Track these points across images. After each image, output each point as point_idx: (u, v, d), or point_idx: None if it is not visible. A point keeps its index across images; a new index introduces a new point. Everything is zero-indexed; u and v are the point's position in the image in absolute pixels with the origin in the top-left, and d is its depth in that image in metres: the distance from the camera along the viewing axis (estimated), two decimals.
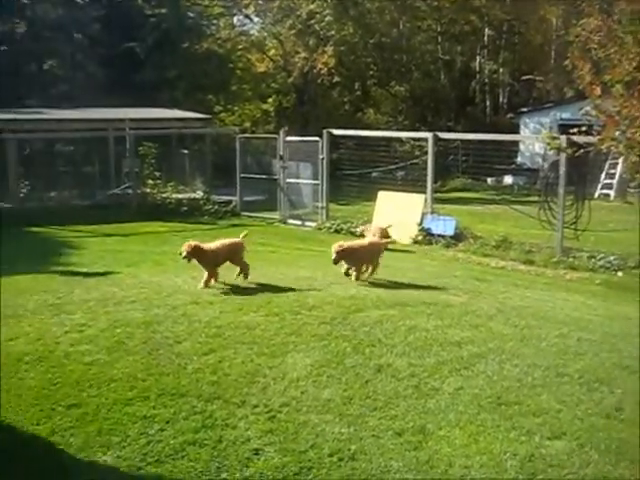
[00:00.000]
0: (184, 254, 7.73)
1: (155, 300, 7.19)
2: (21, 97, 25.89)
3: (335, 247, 8.33)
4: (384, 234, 10.67)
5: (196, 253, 7.77)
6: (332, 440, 4.29)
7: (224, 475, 3.87)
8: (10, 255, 11.42)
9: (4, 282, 8.43)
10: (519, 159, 28.07)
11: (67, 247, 12.72)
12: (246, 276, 8.08)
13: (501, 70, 35.26)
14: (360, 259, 8.67)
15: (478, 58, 35.55)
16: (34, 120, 21.54)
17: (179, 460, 4.01)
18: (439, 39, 34.86)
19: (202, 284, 7.71)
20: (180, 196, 18.53)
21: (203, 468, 3.93)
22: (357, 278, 8.50)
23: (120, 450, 4.09)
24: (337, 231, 14.88)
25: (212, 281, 7.83)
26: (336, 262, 8.40)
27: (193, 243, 7.83)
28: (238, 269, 8.14)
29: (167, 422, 4.43)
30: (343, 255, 8.38)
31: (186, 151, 22.52)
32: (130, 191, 18.51)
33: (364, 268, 8.73)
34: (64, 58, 33.76)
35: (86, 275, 9.11)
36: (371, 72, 34.34)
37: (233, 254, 8.11)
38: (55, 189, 19.86)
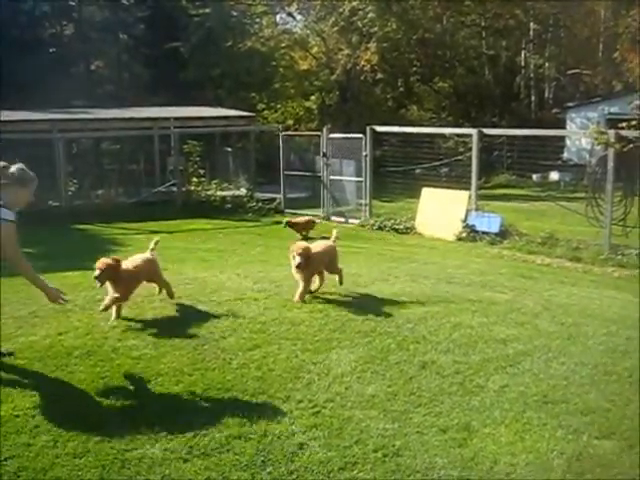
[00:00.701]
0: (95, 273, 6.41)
1: (200, 296, 7.27)
2: (69, 97, 26.42)
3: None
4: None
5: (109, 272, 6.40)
6: (377, 436, 4.29)
7: (269, 469, 3.90)
8: (59, 252, 11.68)
9: (54, 277, 8.61)
10: (565, 155, 27.62)
11: (113, 244, 12.94)
12: (171, 296, 7.04)
13: (547, 64, 34.74)
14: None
15: (523, 53, 35.09)
16: (81, 120, 21.95)
17: (225, 453, 4.05)
18: (483, 34, 34.48)
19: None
20: (224, 193, 18.70)
21: (248, 461, 3.96)
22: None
23: (167, 443, 4.15)
24: (380, 228, 14.85)
25: None
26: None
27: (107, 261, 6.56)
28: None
29: (212, 416, 4.48)
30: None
31: (230, 149, 22.73)
32: (175, 189, 18.74)
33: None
34: (110, 59, 34.37)
35: None
36: (414, 68, 34.13)
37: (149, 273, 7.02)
38: (101, 187, 20.21)
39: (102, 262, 6.48)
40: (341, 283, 7.65)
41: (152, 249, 7.33)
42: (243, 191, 19.35)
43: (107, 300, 6.36)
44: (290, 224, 13.21)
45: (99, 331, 6.19)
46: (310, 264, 7.04)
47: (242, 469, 3.89)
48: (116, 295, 6.34)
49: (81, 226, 15.60)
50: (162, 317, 6.57)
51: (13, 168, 5.24)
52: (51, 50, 30.65)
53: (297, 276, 7.11)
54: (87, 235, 14.53)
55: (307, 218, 13.68)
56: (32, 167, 5.57)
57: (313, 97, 34.87)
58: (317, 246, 7.52)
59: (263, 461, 3.98)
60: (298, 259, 6.91)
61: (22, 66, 25.77)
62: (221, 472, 3.87)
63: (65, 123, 20.92)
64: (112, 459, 3.99)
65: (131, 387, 5.00)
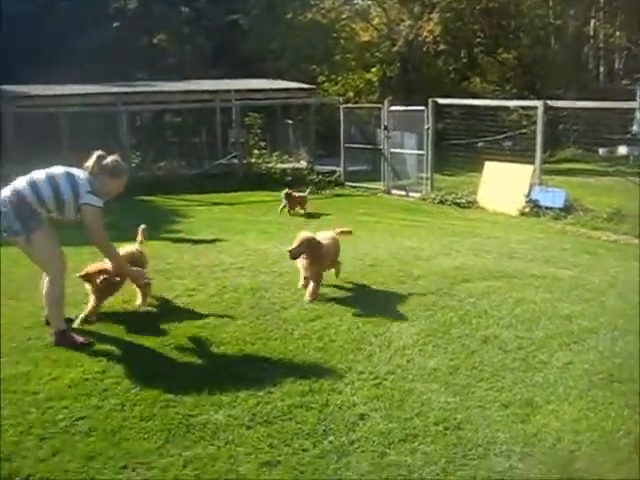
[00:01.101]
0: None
1: (262, 267, 7.36)
2: (132, 71, 26.79)
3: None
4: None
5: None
6: (438, 409, 4.29)
7: (330, 438, 3.94)
8: (123, 223, 11.90)
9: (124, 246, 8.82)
10: (635, 128, 26.68)
11: (176, 215, 13.13)
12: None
13: (617, 33, 33.51)
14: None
15: (592, 22, 33.90)
16: (144, 92, 22.22)
17: (287, 422, 4.11)
18: (550, 3, 33.40)
19: None
20: (284, 166, 18.73)
21: (310, 430, 4.01)
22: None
23: (230, 410, 4.23)
24: (442, 202, 14.67)
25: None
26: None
27: None
28: None
29: (275, 385, 4.54)
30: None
31: (290, 121, 22.72)
32: (236, 161, 18.86)
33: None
34: (172, 32, 34.63)
35: (195, 242, 9.40)
36: (478, 39, 33.37)
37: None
38: (164, 159, 20.48)
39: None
40: (337, 276, 6.94)
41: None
42: (303, 164, 19.36)
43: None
44: (287, 195, 12.76)
45: (165, 299, 6.34)
46: (318, 258, 6.32)
47: (304, 437, 3.94)
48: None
49: (145, 197, 15.86)
50: (224, 288, 6.66)
51: (108, 159, 5.42)
52: (115, 24, 31.04)
53: (305, 273, 6.44)
54: (151, 206, 14.77)
55: (303, 194, 13.20)
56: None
57: (374, 69, 34.47)
58: (325, 239, 6.65)
59: (325, 430, 4.02)
60: (295, 245, 6.20)
61: (87, 41, 26.22)
62: (283, 440, 3.92)
63: (128, 96, 21.21)
64: (177, 423, 4.09)
65: (195, 355, 5.09)
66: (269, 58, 30.18)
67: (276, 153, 18.97)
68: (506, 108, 22.02)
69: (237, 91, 21.79)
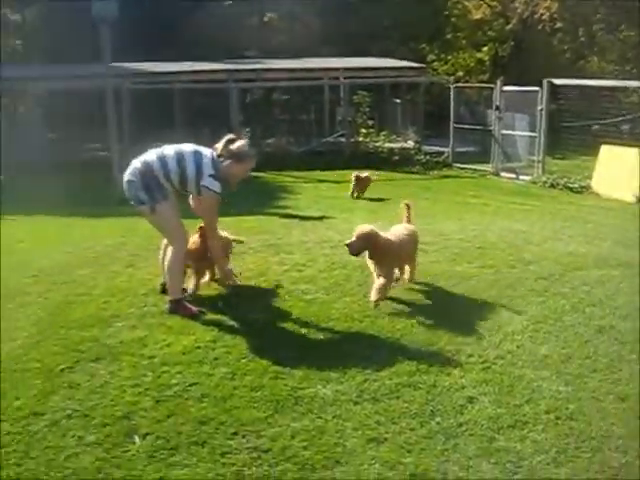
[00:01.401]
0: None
1: None
2: (243, 48, 27.23)
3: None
4: None
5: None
6: (549, 397, 4.17)
7: (438, 419, 3.91)
8: (235, 198, 12.17)
9: (231, 221, 9.03)
10: None
11: (284, 192, 13.32)
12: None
13: None
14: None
15: None
16: (255, 70, 22.55)
17: (394, 400, 4.11)
18: None
19: None
20: (392, 145, 18.63)
21: (417, 410, 3.99)
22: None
23: (338, 385, 4.27)
24: (553, 186, 14.22)
25: None
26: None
27: None
28: None
29: (382, 363, 4.54)
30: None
31: (399, 100, 22.52)
32: (343, 139, 18.90)
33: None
34: (283, 10, 34.90)
35: (303, 218, 9.51)
36: (598, 16, 31.91)
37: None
38: (272, 136, 20.77)
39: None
40: (410, 280, 6.09)
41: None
42: (411, 144, 19.19)
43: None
44: (357, 178, 12.23)
45: (272, 273, 6.44)
46: (383, 255, 5.59)
47: (411, 417, 3.93)
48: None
49: (253, 173, 16.14)
50: (333, 264, 6.70)
51: (236, 143, 5.48)
52: (227, 3, 31.58)
53: (372, 268, 5.77)
54: (259, 182, 15.02)
55: (367, 174, 12.64)
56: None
57: (485, 48, 33.58)
58: (396, 233, 5.91)
59: (432, 411, 3.99)
60: (353, 239, 5.54)
61: (200, 19, 26.84)
62: (390, 417, 3.92)
63: (239, 73, 21.60)
64: (286, 395, 4.16)
65: (303, 329, 5.16)
66: (378, 36, 29.94)
67: (383, 132, 18.90)
68: (625, 89, 20.97)
69: (346, 69, 21.79)
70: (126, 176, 5.43)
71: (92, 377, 4.44)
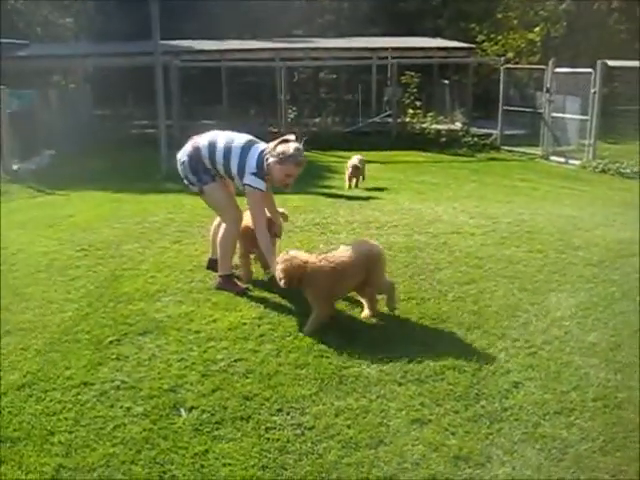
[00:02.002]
0: None
1: (416, 227, 7.31)
2: (291, 27, 27.15)
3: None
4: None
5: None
6: (597, 385, 4.10)
7: (483, 403, 3.88)
8: None
9: (277, 200, 9.05)
10: None
11: (329, 171, 13.30)
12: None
13: None
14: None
15: None
16: (303, 49, 22.48)
17: (438, 382, 4.09)
18: None
19: None
20: (439, 127, 18.43)
21: (462, 393, 3.97)
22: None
23: (383, 365, 4.27)
24: (604, 171, 13.91)
25: None
26: None
27: None
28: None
29: (427, 345, 4.52)
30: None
31: (447, 81, 22.24)
32: (390, 120, 18.76)
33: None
34: None
35: (349, 198, 9.48)
36: None
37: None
38: (319, 115, 20.72)
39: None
40: (391, 308, 5.04)
41: None
42: (458, 125, 18.96)
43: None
44: (354, 167, 10.75)
45: (319, 252, 6.44)
46: (317, 286, 4.70)
47: (455, 399, 3.91)
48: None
49: None
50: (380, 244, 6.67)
51: (284, 145, 5.18)
52: None
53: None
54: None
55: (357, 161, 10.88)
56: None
57: (537, 28, 32.89)
58: (336, 256, 4.80)
59: (477, 394, 3.96)
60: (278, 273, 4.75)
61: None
62: (434, 399, 3.91)
63: (287, 52, 21.57)
64: (330, 374, 4.17)
65: (347, 309, 5.16)
66: (428, 16, 29.57)
67: (431, 113, 18.68)
68: None
69: (394, 49, 21.59)
70: (180, 156, 5.56)
71: (139, 350, 4.52)
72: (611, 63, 15.08)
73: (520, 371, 4.23)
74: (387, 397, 3.93)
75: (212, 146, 5.39)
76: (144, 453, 3.44)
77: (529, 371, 4.24)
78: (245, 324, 4.88)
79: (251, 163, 5.24)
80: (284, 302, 5.27)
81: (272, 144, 5.29)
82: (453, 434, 3.60)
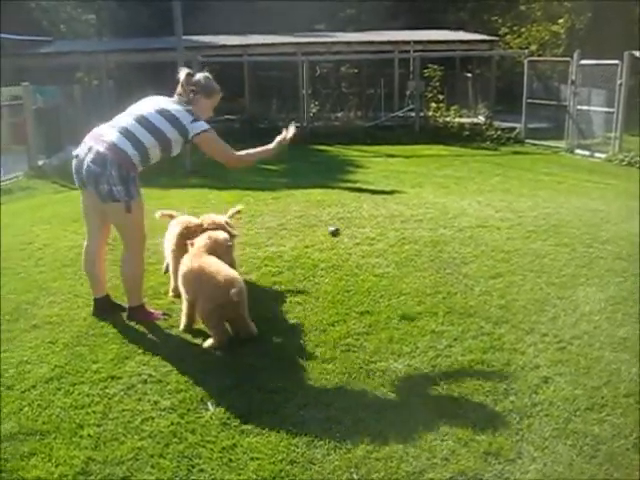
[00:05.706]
0: None
1: (441, 221, 7.25)
2: (313, 21, 27.09)
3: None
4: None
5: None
6: (629, 380, 4.03)
7: (512, 398, 3.83)
8: (302, 170, 12.21)
9: (298, 194, 9.05)
10: None
11: (352, 165, 13.24)
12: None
13: None
14: None
15: None
16: (324, 43, 22.44)
17: (467, 377, 4.04)
18: None
19: None
20: (462, 120, 18.29)
21: (491, 388, 3.92)
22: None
23: (410, 359, 4.23)
24: (630, 164, 13.71)
25: None
26: None
27: None
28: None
29: (455, 339, 4.48)
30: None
31: (469, 74, 22.08)
32: (412, 113, 18.65)
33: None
34: None
35: (373, 192, 9.43)
36: None
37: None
38: (341, 109, 20.65)
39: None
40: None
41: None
42: (481, 119, 18.79)
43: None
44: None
45: (343, 247, 6.42)
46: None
47: (484, 394, 3.87)
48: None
49: (320, 147, 16.14)
50: (403, 239, 6.64)
51: (199, 76, 4.86)
52: None
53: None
54: (326, 156, 15.01)
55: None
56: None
57: (561, 20, 32.52)
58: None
59: (506, 389, 3.92)
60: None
61: None
62: (463, 394, 3.87)
63: (308, 46, 21.52)
64: (357, 368, 4.14)
65: (373, 303, 5.13)
66: (450, 9, 29.37)
67: (454, 107, 18.55)
68: None
69: (416, 42, 21.46)
70: (85, 162, 4.49)
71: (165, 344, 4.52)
72: (638, 54, 14.85)
73: (549, 366, 4.18)
74: (415, 392, 3.90)
75: (129, 134, 4.49)
76: (172, 447, 3.43)
77: (559, 366, 4.18)
78: (271, 318, 4.87)
79: (183, 115, 4.60)
80: (309, 297, 5.25)
81: (179, 89, 4.77)
82: (483, 430, 3.55)
